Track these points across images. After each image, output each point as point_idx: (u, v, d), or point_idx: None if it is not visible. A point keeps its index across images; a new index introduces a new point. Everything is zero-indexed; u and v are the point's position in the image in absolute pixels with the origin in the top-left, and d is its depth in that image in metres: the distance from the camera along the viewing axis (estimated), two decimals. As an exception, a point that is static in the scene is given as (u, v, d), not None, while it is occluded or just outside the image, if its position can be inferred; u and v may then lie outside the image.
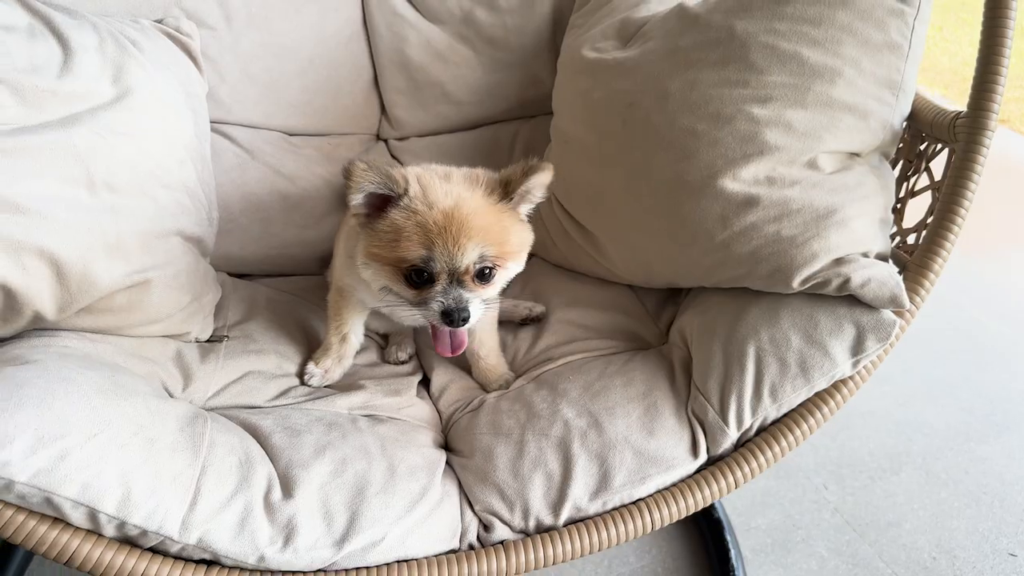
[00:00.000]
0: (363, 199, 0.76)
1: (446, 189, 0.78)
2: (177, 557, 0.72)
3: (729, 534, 1.28)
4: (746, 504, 1.41)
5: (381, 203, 0.78)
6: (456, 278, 0.77)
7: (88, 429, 0.68)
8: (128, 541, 0.71)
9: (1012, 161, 2.76)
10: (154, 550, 0.73)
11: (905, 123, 0.96)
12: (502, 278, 0.83)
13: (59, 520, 0.69)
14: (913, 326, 1.82)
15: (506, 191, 0.81)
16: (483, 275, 0.80)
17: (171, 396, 0.84)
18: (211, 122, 1.15)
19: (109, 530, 0.70)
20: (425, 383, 1.02)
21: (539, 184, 0.82)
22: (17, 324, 0.79)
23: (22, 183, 0.80)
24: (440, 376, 1.00)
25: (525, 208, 0.84)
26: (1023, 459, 1.52)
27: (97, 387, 0.73)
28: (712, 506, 1.32)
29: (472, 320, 0.79)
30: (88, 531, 0.70)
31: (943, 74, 3.48)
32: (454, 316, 0.79)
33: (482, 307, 0.81)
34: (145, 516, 0.69)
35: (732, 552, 1.27)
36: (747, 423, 0.83)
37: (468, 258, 0.77)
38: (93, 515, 0.68)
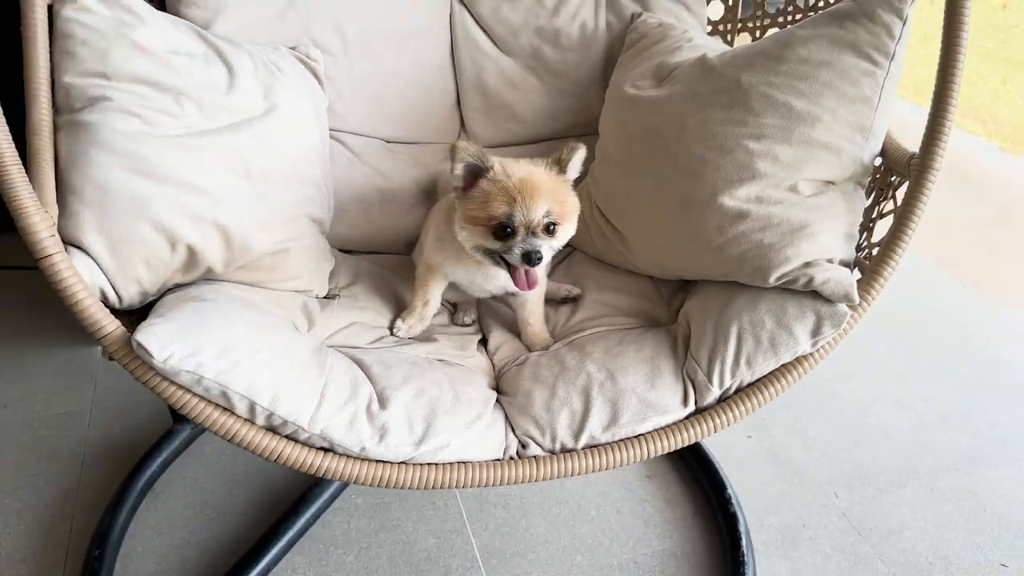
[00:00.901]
0: (462, 170, 0.99)
1: (519, 165, 1.02)
2: (304, 444, 0.93)
3: (742, 526, 1.41)
4: (762, 505, 1.52)
5: (473, 178, 1.00)
6: (531, 231, 1.00)
7: (252, 347, 0.91)
8: (271, 429, 0.91)
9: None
10: (288, 437, 0.92)
11: (880, 160, 1.15)
12: (563, 233, 1.05)
13: (228, 409, 0.89)
14: (936, 358, 1.94)
15: (560, 167, 1.04)
16: (549, 229, 1.02)
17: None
18: (330, 130, 1.37)
19: (260, 419, 0.90)
20: (483, 343, 1.24)
21: (579, 160, 1.06)
22: (194, 274, 1.04)
23: (203, 173, 1.04)
24: (496, 338, 1.23)
25: (571, 175, 1.07)
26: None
27: (256, 320, 0.98)
28: (728, 500, 1.46)
29: (544, 261, 1.01)
30: (246, 419, 0.90)
31: (1003, 126, 3.39)
32: (532, 257, 1.00)
33: (551, 252, 1.03)
34: (287, 410, 0.89)
35: (744, 541, 1.39)
36: (727, 384, 1.02)
37: (538, 213, 1.00)
38: (252, 407, 0.89)
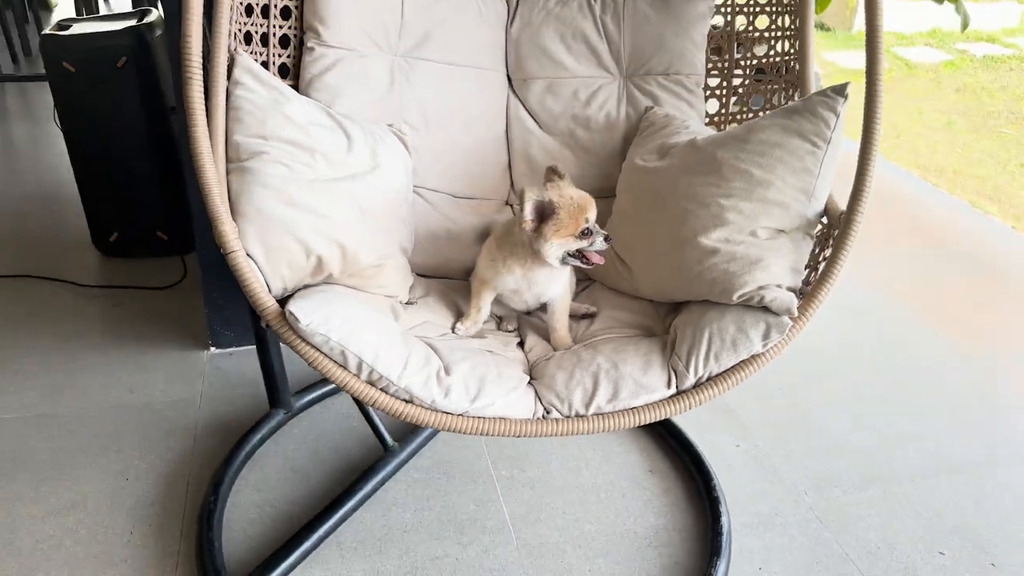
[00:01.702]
0: (532, 206, 1.29)
1: (564, 189, 1.37)
2: (392, 395, 1.18)
3: (724, 508, 1.67)
4: (743, 498, 1.75)
5: (541, 215, 1.31)
6: (596, 226, 1.33)
7: (363, 322, 1.20)
8: (371, 383, 1.17)
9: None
10: (381, 389, 1.18)
11: (824, 216, 1.41)
12: None
13: (342, 365, 1.15)
14: (907, 393, 2.21)
15: (564, 177, 1.42)
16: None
17: (389, 324, 1.41)
18: (413, 186, 1.67)
19: (364, 374, 1.16)
20: (521, 344, 1.51)
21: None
22: (318, 278, 1.31)
23: (330, 206, 1.32)
24: (530, 340, 1.50)
25: None
26: (966, 494, 1.80)
27: (365, 307, 1.30)
28: (714, 488, 1.72)
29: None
30: (354, 374, 1.16)
31: (1017, 207, 3.49)
32: (608, 237, 1.36)
33: None
34: (383, 368, 1.15)
35: (723, 519, 1.64)
36: (700, 373, 1.26)
37: (595, 212, 1.34)
38: (360, 364, 1.14)
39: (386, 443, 1.78)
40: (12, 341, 2.28)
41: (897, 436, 2.04)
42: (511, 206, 1.82)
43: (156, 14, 2.57)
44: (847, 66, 6.41)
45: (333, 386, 2.02)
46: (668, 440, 1.98)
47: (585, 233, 1.36)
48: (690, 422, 2.02)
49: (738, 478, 1.87)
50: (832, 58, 6.61)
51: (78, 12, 5.09)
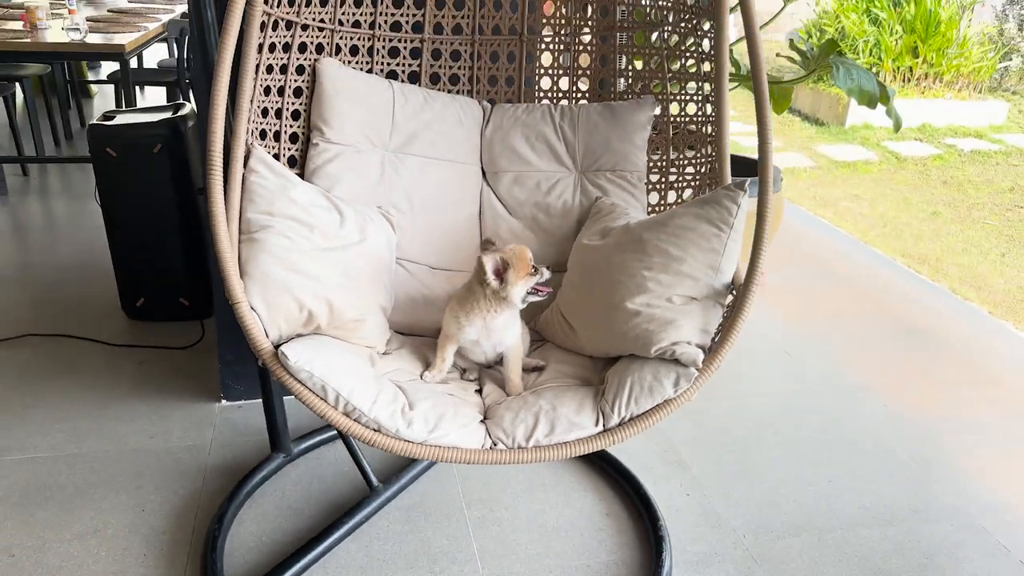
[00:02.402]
0: (491, 267, 1.58)
1: (507, 248, 1.65)
2: (363, 425, 1.35)
3: (667, 544, 1.89)
4: (688, 539, 1.96)
5: (499, 272, 1.59)
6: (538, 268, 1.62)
7: (342, 364, 1.45)
8: (346, 414, 1.35)
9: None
10: (354, 420, 1.36)
11: (733, 288, 1.75)
12: None
13: (323, 398, 1.35)
14: (847, 456, 2.44)
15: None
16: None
17: (367, 368, 1.70)
18: (397, 258, 1.95)
19: (340, 407, 1.34)
20: (479, 392, 1.76)
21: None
22: (309, 329, 1.56)
23: (322, 270, 1.59)
24: (487, 388, 1.73)
25: None
26: (892, 543, 2.01)
27: (346, 353, 1.56)
28: (660, 528, 1.94)
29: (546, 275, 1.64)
30: (332, 406, 1.35)
31: (995, 294, 3.64)
32: (548, 268, 1.67)
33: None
34: (357, 401, 1.33)
35: (665, 554, 1.86)
36: (623, 414, 1.46)
37: (531, 255, 1.62)
38: (337, 397, 1.34)
39: (372, 483, 2.04)
40: (48, 392, 2.58)
41: (835, 490, 2.26)
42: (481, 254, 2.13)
43: (189, 107, 2.97)
44: (839, 158, 6.70)
45: (328, 434, 2.31)
46: (625, 488, 2.22)
47: (534, 270, 1.67)
48: (647, 473, 2.26)
49: (685, 522, 2.10)
50: (826, 151, 6.87)
51: (117, 104, 5.59)
